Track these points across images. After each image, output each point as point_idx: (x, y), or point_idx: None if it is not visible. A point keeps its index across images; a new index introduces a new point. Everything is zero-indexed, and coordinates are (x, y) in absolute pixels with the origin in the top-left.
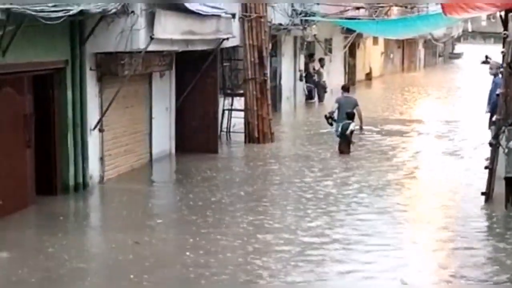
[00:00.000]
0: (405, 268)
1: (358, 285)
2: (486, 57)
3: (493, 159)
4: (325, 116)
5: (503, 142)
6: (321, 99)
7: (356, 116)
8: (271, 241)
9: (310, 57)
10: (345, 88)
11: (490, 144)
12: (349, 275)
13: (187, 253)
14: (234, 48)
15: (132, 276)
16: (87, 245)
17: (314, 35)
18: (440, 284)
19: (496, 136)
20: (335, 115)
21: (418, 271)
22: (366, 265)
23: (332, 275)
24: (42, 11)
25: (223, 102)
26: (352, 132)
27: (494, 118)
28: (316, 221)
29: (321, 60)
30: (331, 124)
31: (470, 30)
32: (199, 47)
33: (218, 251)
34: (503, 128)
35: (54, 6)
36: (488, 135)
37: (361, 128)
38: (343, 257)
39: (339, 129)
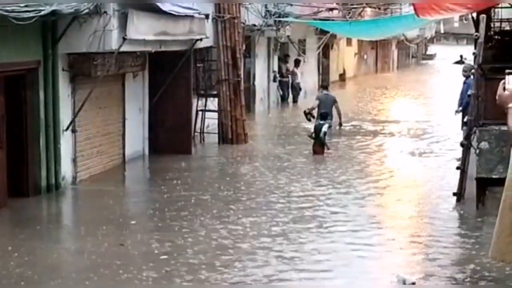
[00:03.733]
0: (374, 266)
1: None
2: (461, 56)
3: (464, 159)
4: (304, 112)
5: (474, 143)
6: (295, 100)
7: (335, 113)
8: (244, 239)
9: (285, 57)
10: (324, 86)
11: (462, 144)
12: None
13: (162, 256)
14: (208, 49)
15: (101, 283)
16: (59, 248)
17: (288, 36)
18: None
19: (467, 137)
20: (315, 112)
21: (388, 270)
22: (337, 265)
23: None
24: (13, 11)
25: (197, 103)
26: (325, 133)
27: (466, 119)
28: (286, 222)
29: (296, 61)
30: (309, 120)
31: (442, 31)
32: (173, 48)
33: (193, 251)
34: (474, 129)
35: (26, 6)
36: (459, 136)
37: (340, 124)
38: (317, 247)
39: (312, 129)
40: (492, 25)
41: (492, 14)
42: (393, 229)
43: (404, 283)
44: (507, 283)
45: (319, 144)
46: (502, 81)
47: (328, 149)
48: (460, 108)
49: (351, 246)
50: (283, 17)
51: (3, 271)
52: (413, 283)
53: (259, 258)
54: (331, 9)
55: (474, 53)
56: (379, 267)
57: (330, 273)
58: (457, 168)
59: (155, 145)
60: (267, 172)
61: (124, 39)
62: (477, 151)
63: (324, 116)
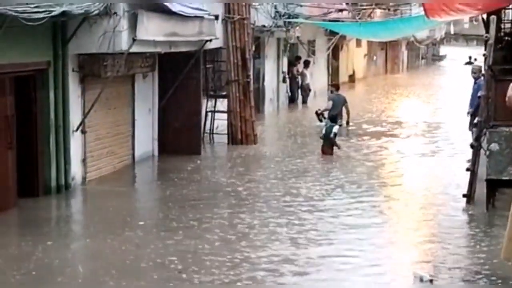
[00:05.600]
0: (387, 266)
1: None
2: (470, 58)
3: (474, 161)
4: (316, 112)
5: (484, 144)
6: (304, 101)
7: (344, 113)
8: (255, 241)
9: (296, 59)
10: (336, 87)
11: (472, 146)
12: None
13: (170, 257)
14: (217, 49)
15: (112, 283)
16: (69, 248)
17: (297, 37)
18: (416, 284)
19: (477, 138)
20: (326, 113)
21: (394, 270)
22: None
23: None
24: (24, 12)
25: (206, 104)
26: (335, 134)
27: (476, 120)
28: (292, 224)
29: (306, 62)
30: (320, 120)
31: (452, 32)
32: (182, 49)
33: (202, 253)
34: (484, 130)
35: (36, 7)
36: (469, 137)
37: (347, 123)
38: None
39: (323, 131)
40: (502, 27)
41: (503, 16)
42: (403, 230)
43: (421, 280)
44: None
45: (328, 145)
46: None
47: (339, 148)
48: (471, 109)
49: (364, 247)
50: (292, 18)
51: (14, 271)
52: (431, 281)
53: (270, 266)
54: (341, 10)
55: (484, 55)
56: (392, 267)
57: (348, 271)
58: (467, 169)
59: (164, 146)
60: (276, 173)
61: (134, 40)
62: (487, 152)
63: (334, 118)
